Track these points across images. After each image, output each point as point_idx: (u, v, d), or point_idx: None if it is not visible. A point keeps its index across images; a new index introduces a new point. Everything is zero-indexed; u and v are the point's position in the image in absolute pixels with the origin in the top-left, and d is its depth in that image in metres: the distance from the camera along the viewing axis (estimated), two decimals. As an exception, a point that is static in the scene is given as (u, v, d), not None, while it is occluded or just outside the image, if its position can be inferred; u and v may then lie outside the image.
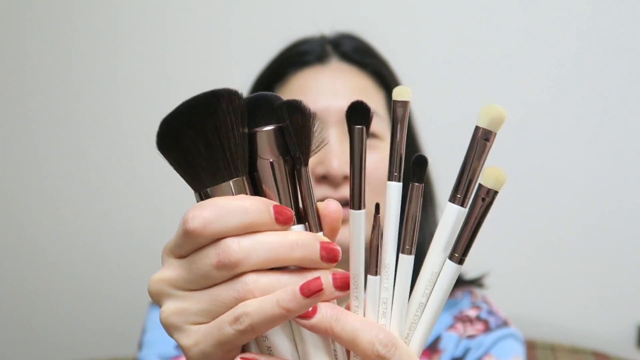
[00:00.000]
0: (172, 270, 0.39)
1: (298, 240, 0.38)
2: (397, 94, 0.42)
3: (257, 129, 0.39)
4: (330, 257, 0.39)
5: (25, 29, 1.37)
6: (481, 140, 0.42)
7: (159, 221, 1.35)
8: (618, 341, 1.27)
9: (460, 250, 0.40)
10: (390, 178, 0.43)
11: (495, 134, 0.42)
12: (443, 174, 0.94)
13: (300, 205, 0.41)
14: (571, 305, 1.28)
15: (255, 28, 1.31)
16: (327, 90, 0.81)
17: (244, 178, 0.39)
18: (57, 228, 1.40)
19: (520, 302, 1.25)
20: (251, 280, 0.37)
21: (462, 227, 0.40)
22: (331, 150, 0.78)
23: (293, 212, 0.39)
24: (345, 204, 0.78)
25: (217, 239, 0.37)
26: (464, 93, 1.28)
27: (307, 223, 0.41)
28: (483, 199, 0.39)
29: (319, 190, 0.79)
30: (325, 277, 0.38)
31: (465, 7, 1.27)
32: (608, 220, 1.26)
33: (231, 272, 0.37)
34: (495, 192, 0.40)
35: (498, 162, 1.38)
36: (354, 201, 0.42)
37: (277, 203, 0.39)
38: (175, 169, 0.40)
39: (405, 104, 0.42)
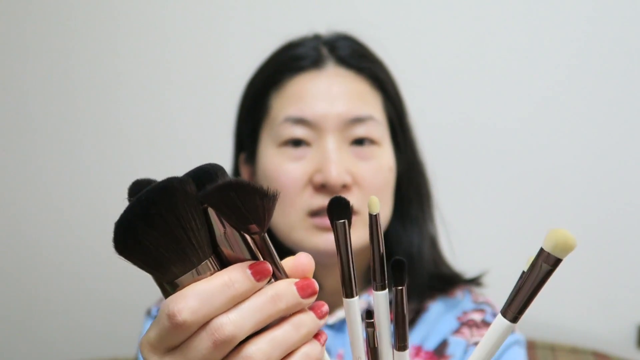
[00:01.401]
0: None
1: (276, 292, 0.40)
2: (372, 207, 0.47)
3: (206, 207, 0.39)
4: (308, 293, 0.41)
5: (25, 28, 1.37)
6: (543, 264, 0.41)
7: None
8: (618, 341, 1.27)
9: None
10: (375, 288, 0.47)
11: (561, 260, 0.40)
12: (441, 173, 0.94)
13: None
14: (571, 305, 1.28)
15: (252, 27, 1.30)
16: (324, 96, 0.80)
17: (212, 257, 0.40)
18: (57, 228, 1.40)
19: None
20: (253, 351, 0.39)
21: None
22: (329, 158, 0.77)
23: (267, 263, 0.40)
24: None
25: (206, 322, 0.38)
26: (461, 93, 1.28)
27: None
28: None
29: (317, 199, 0.78)
30: (308, 316, 0.41)
31: (463, 6, 1.27)
32: (608, 220, 1.26)
33: (229, 348, 0.38)
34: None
35: (500, 163, 1.38)
36: (346, 290, 0.46)
37: (250, 262, 0.40)
38: (141, 267, 0.40)
39: (376, 216, 0.47)
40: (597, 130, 1.25)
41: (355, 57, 0.84)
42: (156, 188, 0.38)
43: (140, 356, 0.88)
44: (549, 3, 1.25)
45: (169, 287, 0.40)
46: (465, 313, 0.85)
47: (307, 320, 0.41)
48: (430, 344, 0.82)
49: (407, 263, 0.44)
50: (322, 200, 0.78)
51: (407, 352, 0.45)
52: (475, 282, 0.89)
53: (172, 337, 0.38)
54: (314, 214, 0.79)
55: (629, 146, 1.25)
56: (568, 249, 0.39)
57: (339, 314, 0.83)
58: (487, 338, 0.43)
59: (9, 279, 1.43)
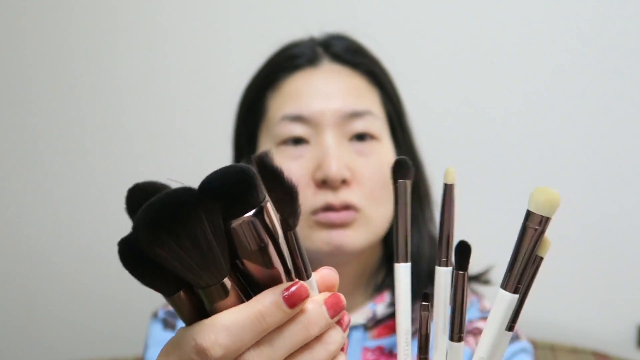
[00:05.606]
0: None
1: (308, 320, 0.38)
2: (447, 177, 0.45)
3: (234, 222, 0.36)
4: (338, 310, 0.39)
5: (25, 28, 1.37)
6: (532, 226, 0.40)
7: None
8: (618, 341, 1.27)
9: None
10: (439, 263, 0.44)
11: (549, 219, 0.39)
12: (438, 172, 0.93)
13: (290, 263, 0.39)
14: (571, 305, 1.28)
15: (249, 30, 1.30)
16: (320, 93, 0.80)
17: (230, 273, 0.37)
18: (57, 228, 1.40)
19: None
20: None
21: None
22: (329, 154, 0.77)
23: (303, 285, 0.38)
24: (345, 207, 0.78)
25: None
26: (458, 89, 1.27)
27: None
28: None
29: (319, 197, 0.77)
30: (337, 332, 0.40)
31: (458, 2, 1.27)
32: (608, 220, 1.26)
33: None
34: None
35: (499, 161, 1.38)
36: (399, 254, 0.44)
37: (283, 286, 0.38)
38: (169, 264, 0.36)
39: (452, 187, 0.44)
40: (598, 128, 1.25)
41: (350, 52, 0.84)
42: (181, 199, 0.35)
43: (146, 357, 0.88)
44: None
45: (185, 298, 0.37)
46: (470, 322, 0.84)
47: (336, 337, 0.39)
48: None
49: (471, 247, 0.41)
50: (325, 198, 0.77)
51: (462, 345, 0.41)
52: (480, 278, 0.88)
53: None
54: (317, 211, 0.78)
55: (630, 144, 1.25)
56: (554, 205, 0.38)
57: None
58: (493, 316, 0.41)
59: (9, 279, 1.43)
